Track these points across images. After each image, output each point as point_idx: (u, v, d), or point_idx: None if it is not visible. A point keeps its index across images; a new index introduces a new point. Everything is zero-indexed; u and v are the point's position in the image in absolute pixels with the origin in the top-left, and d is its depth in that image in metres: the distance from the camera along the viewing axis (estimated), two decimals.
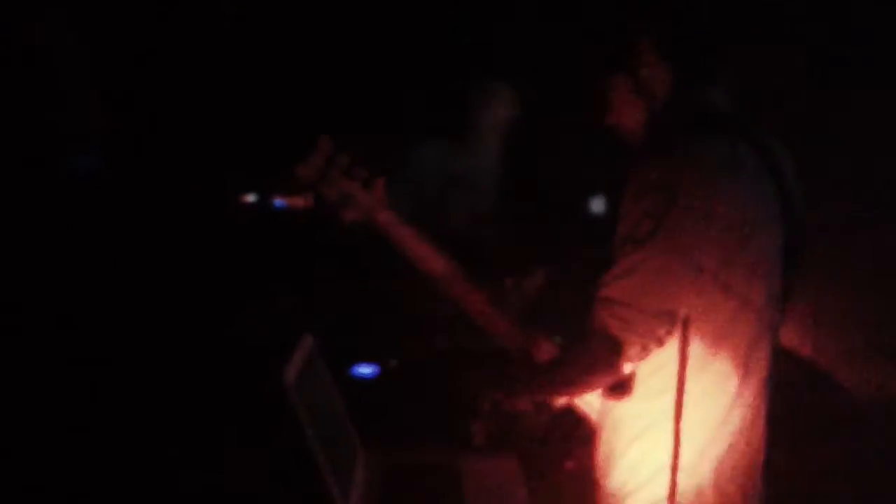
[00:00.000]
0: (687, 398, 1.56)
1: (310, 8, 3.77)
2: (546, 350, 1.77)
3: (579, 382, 1.64)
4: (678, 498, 1.59)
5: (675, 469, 1.58)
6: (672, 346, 1.55)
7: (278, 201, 3.77)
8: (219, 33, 3.78)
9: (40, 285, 3.16)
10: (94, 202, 3.48)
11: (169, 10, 3.68)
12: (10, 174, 3.27)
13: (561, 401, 1.83)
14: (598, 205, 3.33)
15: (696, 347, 1.54)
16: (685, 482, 1.58)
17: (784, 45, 2.68)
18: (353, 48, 3.73)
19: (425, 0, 3.70)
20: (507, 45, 3.39)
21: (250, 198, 3.85)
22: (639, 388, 1.60)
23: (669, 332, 1.53)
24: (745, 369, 1.58)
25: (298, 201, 3.66)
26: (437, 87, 3.36)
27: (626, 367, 1.54)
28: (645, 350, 1.52)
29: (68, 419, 2.81)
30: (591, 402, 1.80)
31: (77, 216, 3.40)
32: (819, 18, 2.68)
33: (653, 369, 1.56)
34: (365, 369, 2.86)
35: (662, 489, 1.59)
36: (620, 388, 1.62)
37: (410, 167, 3.08)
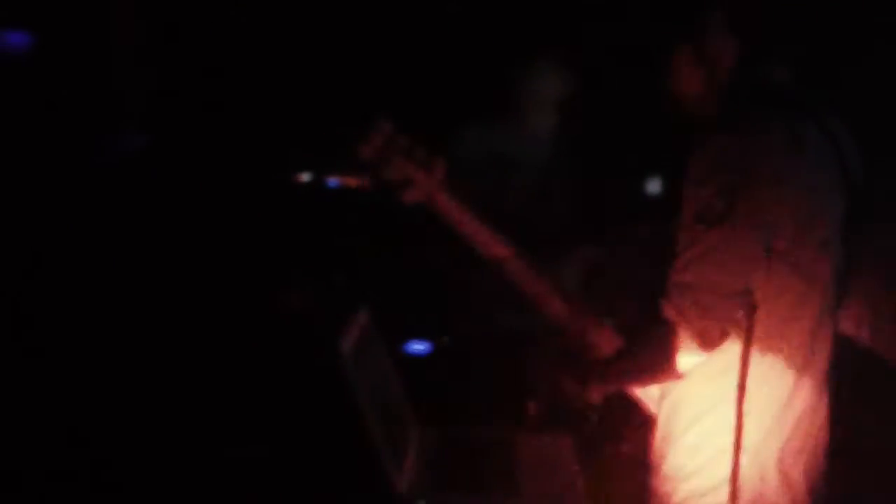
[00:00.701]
0: (750, 380, 1.54)
1: None
2: (608, 338, 1.75)
3: (658, 372, 1.59)
4: (741, 480, 1.56)
5: (737, 450, 1.56)
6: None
7: (332, 180, 3.79)
8: (272, 13, 3.80)
9: (93, 255, 3.21)
10: (145, 179, 3.53)
11: None
12: (61, 150, 3.33)
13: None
14: (657, 184, 3.29)
15: (763, 328, 1.51)
16: (748, 464, 1.56)
17: None
18: (402, 29, 3.73)
19: None
20: (559, 21, 3.35)
21: (305, 177, 3.88)
22: (700, 369, 1.57)
23: (746, 314, 1.50)
24: (810, 350, 1.55)
25: (352, 180, 3.67)
26: (485, 65, 3.34)
27: (705, 354, 1.51)
28: (725, 334, 1.49)
29: (124, 385, 2.86)
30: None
31: (126, 193, 3.45)
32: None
33: (717, 350, 1.53)
34: (418, 346, 2.86)
35: (723, 472, 1.57)
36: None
37: (459, 147, 3.07)
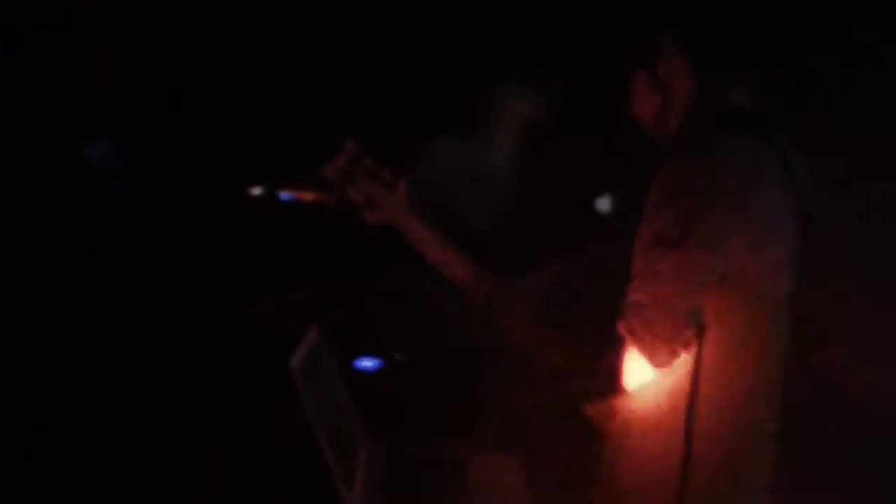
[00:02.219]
0: (701, 399, 1.55)
1: (326, 4, 3.76)
2: (565, 355, 1.76)
3: (607, 390, 1.60)
4: (690, 496, 1.57)
5: (686, 469, 1.57)
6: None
7: (285, 194, 3.76)
8: (229, 30, 3.77)
9: (52, 277, 3.17)
10: (108, 194, 3.49)
11: (185, 8, 3.68)
12: (26, 162, 3.28)
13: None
14: (607, 203, 3.32)
15: (714, 348, 1.53)
16: (698, 482, 1.57)
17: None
18: (368, 44, 3.73)
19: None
20: (526, 43, 3.38)
21: (256, 191, 3.85)
22: (652, 388, 1.58)
23: (696, 335, 1.52)
24: (759, 370, 1.57)
25: (306, 195, 3.65)
26: (453, 84, 3.36)
27: (654, 373, 1.53)
28: (674, 354, 1.51)
29: (78, 414, 2.82)
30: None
31: (90, 209, 3.41)
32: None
33: (669, 370, 1.54)
34: (368, 362, 2.85)
35: (674, 489, 1.58)
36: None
37: (426, 164, 3.08)
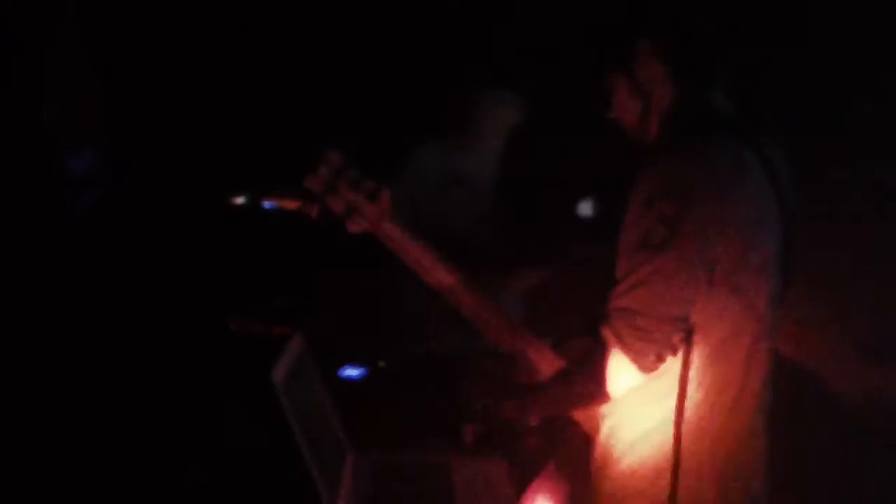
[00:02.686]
0: (689, 402, 1.56)
1: (306, 9, 3.75)
2: (549, 359, 1.76)
3: (594, 395, 1.60)
4: (680, 499, 1.58)
5: (676, 473, 1.57)
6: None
7: (268, 203, 3.76)
8: (212, 35, 3.76)
9: (33, 285, 3.15)
10: (89, 204, 3.48)
11: (164, 12, 3.67)
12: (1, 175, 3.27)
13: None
14: (587, 206, 3.32)
15: (701, 351, 1.53)
16: (687, 485, 1.57)
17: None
18: (350, 48, 3.72)
19: (427, 1, 3.69)
20: (508, 45, 3.38)
21: (240, 200, 3.84)
22: (640, 392, 1.57)
23: (682, 339, 1.52)
24: (746, 372, 1.57)
25: (289, 203, 3.65)
26: (438, 86, 3.35)
27: (641, 378, 1.53)
28: (660, 359, 1.51)
29: (63, 418, 2.80)
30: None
31: (69, 218, 3.40)
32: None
33: (656, 374, 1.54)
34: (352, 371, 2.84)
35: (662, 495, 1.58)
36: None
37: (410, 167, 3.08)
